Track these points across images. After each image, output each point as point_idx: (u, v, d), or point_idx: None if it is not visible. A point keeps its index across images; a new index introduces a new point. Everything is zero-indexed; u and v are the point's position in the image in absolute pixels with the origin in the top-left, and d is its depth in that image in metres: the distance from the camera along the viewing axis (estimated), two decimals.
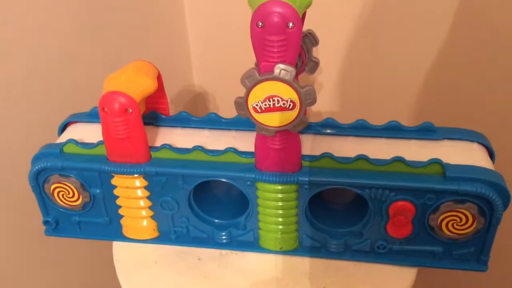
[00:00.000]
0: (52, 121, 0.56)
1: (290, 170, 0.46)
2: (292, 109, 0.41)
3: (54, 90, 0.59)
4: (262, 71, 0.40)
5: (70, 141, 0.49)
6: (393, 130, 0.50)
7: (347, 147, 0.48)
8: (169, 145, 0.48)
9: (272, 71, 0.39)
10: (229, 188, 0.54)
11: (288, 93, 0.40)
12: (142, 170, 0.47)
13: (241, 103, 0.41)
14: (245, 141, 0.50)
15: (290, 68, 0.39)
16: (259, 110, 0.41)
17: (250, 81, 0.40)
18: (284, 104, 0.41)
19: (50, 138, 0.53)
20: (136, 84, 0.46)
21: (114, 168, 0.48)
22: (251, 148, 0.47)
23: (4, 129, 0.54)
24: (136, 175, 0.48)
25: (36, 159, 0.50)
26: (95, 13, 0.62)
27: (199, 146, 0.47)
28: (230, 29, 0.77)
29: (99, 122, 0.52)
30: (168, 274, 0.49)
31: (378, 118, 0.52)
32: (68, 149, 0.49)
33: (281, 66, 0.39)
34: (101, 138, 0.49)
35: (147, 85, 0.47)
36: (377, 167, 0.45)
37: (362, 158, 0.45)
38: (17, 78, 0.54)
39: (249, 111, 0.42)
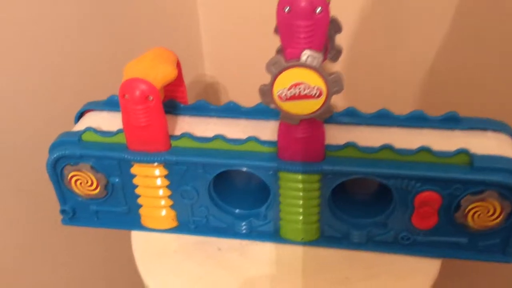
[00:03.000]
0: (68, 109, 0.55)
1: (314, 160, 0.45)
2: (318, 97, 0.40)
3: (70, 78, 0.58)
4: (288, 58, 0.39)
5: (89, 129, 0.48)
6: (417, 120, 0.49)
7: (370, 137, 0.47)
8: (189, 133, 0.47)
9: (298, 57, 0.38)
10: (249, 178, 0.53)
11: (314, 81, 0.39)
12: (163, 158, 0.46)
13: (266, 91, 0.40)
14: (265, 130, 0.49)
15: (317, 55, 0.38)
16: (284, 98, 0.41)
17: (275, 68, 0.39)
18: (310, 91, 0.40)
19: (67, 126, 0.53)
20: (156, 71, 0.45)
21: (134, 156, 0.47)
22: (272, 138, 0.47)
23: (20, 117, 0.53)
24: (156, 164, 0.47)
25: (54, 147, 0.49)
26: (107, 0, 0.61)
27: (220, 135, 0.46)
28: (242, 17, 0.76)
29: (116, 110, 0.52)
30: (188, 264, 0.48)
31: (398, 108, 0.51)
32: (87, 137, 0.48)
33: (308, 52, 0.38)
34: (119, 126, 0.48)
35: (167, 72, 0.46)
36: (403, 157, 0.44)
37: (387, 147, 0.44)
38: (33, 65, 0.53)
39: (273, 99, 0.41)
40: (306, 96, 0.40)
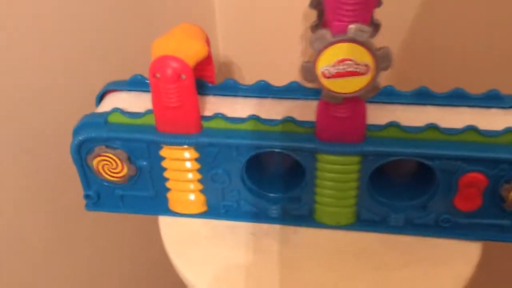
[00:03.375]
0: (86, 91, 0.52)
1: (354, 141, 0.43)
2: (364, 73, 0.38)
3: (87, 59, 0.55)
4: (334, 32, 0.36)
5: (116, 110, 0.46)
6: (458, 98, 0.47)
7: (410, 116, 0.45)
8: (221, 114, 0.45)
9: (345, 31, 0.36)
10: (280, 160, 0.51)
11: (362, 56, 0.37)
12: (194, 140, 0.44)
13: (309, 68, 0.38)
14: (299, 110, 0.47)
15: (366, 28, 0.36)
16: (328, 75, 0.38)
17: (321, 43, 0.37)
18: (356, 68, 0.38)
19: (85, 109, 0.50)
20: (188, 48, 0.43)
21: (164, 138, 0.45)
22: (306, 117, 0.44)
23: (37, 100, 0.51)
24: (187, 146, 0.45)
25: (78, 130, 0.46)
26: None
27: (254, 115, 0.44)
28: None
29: (140, 90, 0.49)
30: (221, 250, 0.46)
31: (438, 86, 0.49)
32: (113, 118, 0.46)
33: (356, 26, 0.36)
34: (145, 107, 0.46)
35: (199, 49, 0.43)
36: (448, 137, 0.42)
37: (432, 127, 0.42)
38: (50, 47, 0.51)
39: (316, 76, 0.38)
40: (352, 73, 0.38)
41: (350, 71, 0.38)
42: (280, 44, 0.70)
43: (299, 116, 0.45)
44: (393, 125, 0.43)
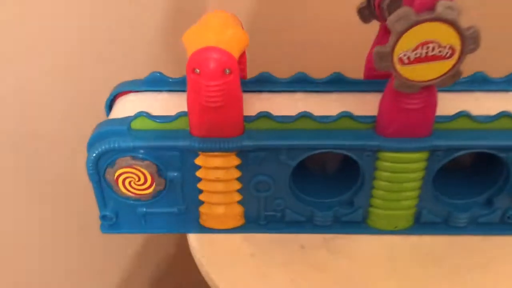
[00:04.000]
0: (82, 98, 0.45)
1: (421, 135, 0.38)
2: (449, 57, 0.33)
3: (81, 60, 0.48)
4: (418, 10, 0.31)
5: (141, 114, 0.39)
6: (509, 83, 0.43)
7: (462, 105, 0.41)
8: (268, 112, 0.39)
9: (433, 8, 0.31)
10: (322, 161, 0.45)
11: (448, 38, 0.32)
12: (239, 144, 0.38)
13: (385, 53, 0.33)
14: (347, 104, 0.41)
15: (455, 5, 0.31)
16: (406, 61, 0.33)
17: (402, 24, 0.32)
18: (440, 51, 0.33)
19: (90, 118, 0.43)
20: (231, 38, 0.36)
21: (203, 144, 0.38)
22: (360, 112, 0.39)
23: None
24: (228, 152, 0.38)
25: (94, 140, 0.39)
26: None
27: (306, 112, 0.38)
28: None
29: (159, 91, 0.43)
30: (273, 269, 0.40)
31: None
32: (138, 124, 0.39)
33: (445, 2, 0.31)
34: (169, 110, 0.40)
35: (243, 38, 0.37)
36: None
37: (505, 115, 0.38)
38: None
39: (393, 63, 0.33)
40: (433, 58, 0.33)
41: (432, 56, 0.33)
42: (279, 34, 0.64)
43: (353, 111, 0.39)
44: (463, 115, 0.38)
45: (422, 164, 0.39)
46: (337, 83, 0.43)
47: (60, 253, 0.51)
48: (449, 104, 0.39)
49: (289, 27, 0.55)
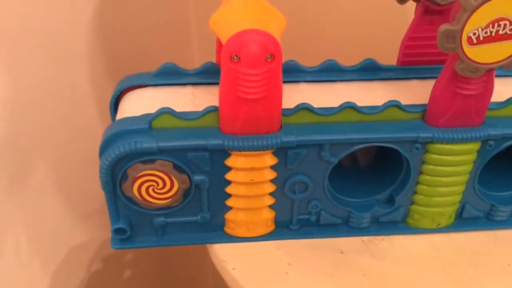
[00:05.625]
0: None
1: (474, 124, 0.35)
2: None
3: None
4: None
5: (164, 111, 0.34)
6: None
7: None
8: (307, 104, 0.34)
9: None
10: (355, 155, 0.42)
11: None
12: (279, 141, 0.34)
13: (453, 32, 0.29)
14: (387, 93, 0.38)
15: None
16: (475, 41, 0.30)
17: None
18: (511, 30, 0.30)
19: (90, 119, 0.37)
20: (270, 19, 0.32)
21: (238, 142, 0.33)
22: (404, 101, 0.36)
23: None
24: (265, 150, 0.34)
25: (108, 144, 0.34)
26: None
27: (350, 103, 0.35)
28: None
29: (175, 84, 0.38)
30: (315, 277, 0.36)
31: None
32: (160, 123, 0.34)
33: None
34: (187, 105, 0.35)
35: (281, 20, 0.33)
36: None
37: None
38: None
39: (460, 43, 0.30)
40: (504, 37, 0.30)
41: (502, 35, 0.30)
42: None
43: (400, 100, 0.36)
44: None
45: (473, 156, 0.36)
46: (371, 71, 0.39)
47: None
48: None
49: (314, 12, 0.51)
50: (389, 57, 0.41)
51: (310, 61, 0.40)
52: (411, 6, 0.38)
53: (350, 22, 0.53)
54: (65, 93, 0.43)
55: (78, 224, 0.48)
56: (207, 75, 0.38)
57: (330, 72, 0.39)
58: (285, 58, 0.39)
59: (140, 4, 0.50)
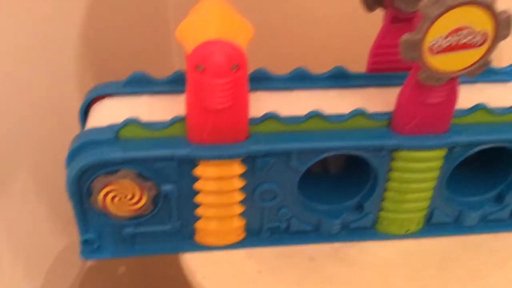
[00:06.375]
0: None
1: (440, 131, 0.35)
2: (480, 45, 0.31)
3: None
4: None
5: (130, 121, 0.33)
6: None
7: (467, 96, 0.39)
8: (274, 113, 0.35)
9: None
10: (324, 164, 0.42)
11: (481, 23, 0.30)
12: (245, 150, 0.34)
13: (415, 42, 0.30)
14: (354, 100, 0.38)
15: None
16: (436, 51, 0.30)
17: (437, 8, 0.29)
18: (472, 38, 0.30)
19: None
20: (236, 29, 0.32)
21: (205, 152, 0.33)
22: (371, 109, 0.36)
23: None
24: (233, 159, 0.34)
25: (75, 153, 0.34)
26: None
27: (317, 112, 0.35)
28: None
29: (143, 93, 0.37)
30: (285, 285, 0.36)
31: None
32: (127, 133, 0.34)
33: None
34: (159, 115, 0.35)
35: (247, 29, 0.33)
36: None
37: None
38: None
39: (422, 52, 0.30)
40: (465, 46, 0.30)
41: (463, 44, 0.30)
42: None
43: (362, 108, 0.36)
44: (480, 108, 0.36)
45: (439, 163, 0.37)
46: (340, 78, 0.40)
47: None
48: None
49: (284, 20, 0.52)
50: (359, 64, 0.41)
51: (280, 69, 0.40)
52: (381, 14, 0.39)
53: (321, 30, 0.53)
54: (46, 98, 0.42)
55: (59, 228, 0.47)
56: (177, 83, 0.38)
57: (300, 80, 0.39)
58: (255, 66, 0.39)
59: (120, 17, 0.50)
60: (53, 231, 0.47)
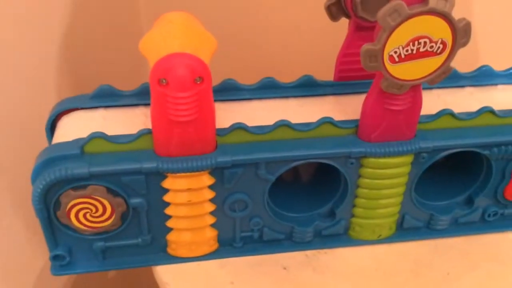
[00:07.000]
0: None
1: (406, 137, 0.36)
2: (439, 53, 0.31)
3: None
4: (410, 3, 0.29)
5: (96, 135, 0.33)
6: (485, 77, 0.42)
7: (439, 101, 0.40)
8: (242, 124, 0.35)
9: (426, 1, 0.29)
10: (294, 172, 0.42)
11: (440, 32, 0.30)
12: (213, 162, 0.34)
13: (375, 52, 0.30)
14: (322, 109, 0.38)
15: None
16: (397, 60, 0.31)
17: (395, 18, 0.29)
18: (431, 47, 0.31)
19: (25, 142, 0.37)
20: (199, 42, 0.32)
21: (172, 164, 0.33)
22: (338, 117, 0.36)
23: None
24: (201, 171, 0.34)
25: (39, 171, 0.33)
26: None
27: (284, 121, 0.35)
28: None
29: (110, 106, 0.37)
30: None
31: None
32: (92, 147, 0.34)
33: None
34: (127, 128, 0.35)
35: (210, 42, 0.33)
36: (503, 120, 0.37)
37: (487, 111, 0.37)
38: None
39: (383, 61, 0.30)
40: (425, 54, 0.31)
41: (423, 52, 0.31)
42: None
43: (330, 116, 0.36)
44: (446, 113, 0.36)
45: (407, 169, 0.37)
46: (308, 87, 0.40)
47: None
48: None
49: (252, 30, 0.52)
50: (327, 73, 0.41)
51: (248, 79, 0.40)
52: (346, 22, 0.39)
53: (288, 40, 0.53)
54: (21, 110, 0.42)
55: (37, 241, 0.47)
56: (145, 96, 0.38)
57: (268, 89, 0.40)
58: (223, 76, 0.39)
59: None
60: (32, 246, 0.47)
